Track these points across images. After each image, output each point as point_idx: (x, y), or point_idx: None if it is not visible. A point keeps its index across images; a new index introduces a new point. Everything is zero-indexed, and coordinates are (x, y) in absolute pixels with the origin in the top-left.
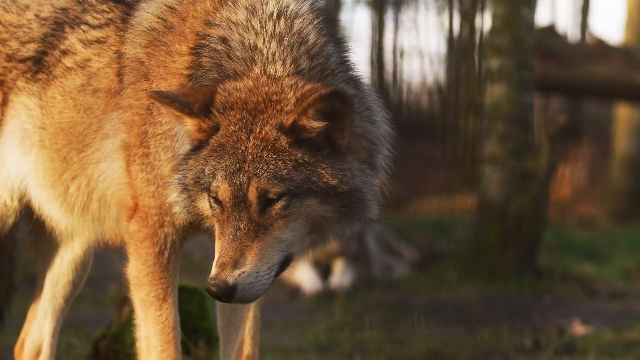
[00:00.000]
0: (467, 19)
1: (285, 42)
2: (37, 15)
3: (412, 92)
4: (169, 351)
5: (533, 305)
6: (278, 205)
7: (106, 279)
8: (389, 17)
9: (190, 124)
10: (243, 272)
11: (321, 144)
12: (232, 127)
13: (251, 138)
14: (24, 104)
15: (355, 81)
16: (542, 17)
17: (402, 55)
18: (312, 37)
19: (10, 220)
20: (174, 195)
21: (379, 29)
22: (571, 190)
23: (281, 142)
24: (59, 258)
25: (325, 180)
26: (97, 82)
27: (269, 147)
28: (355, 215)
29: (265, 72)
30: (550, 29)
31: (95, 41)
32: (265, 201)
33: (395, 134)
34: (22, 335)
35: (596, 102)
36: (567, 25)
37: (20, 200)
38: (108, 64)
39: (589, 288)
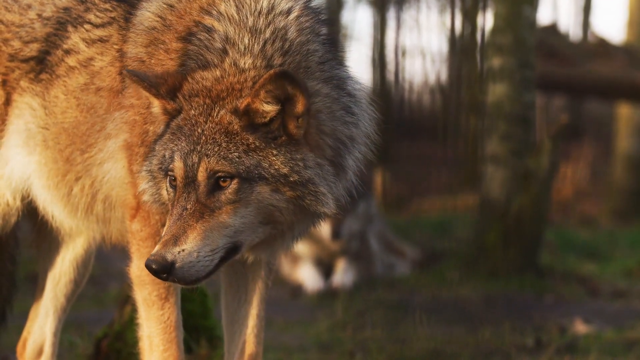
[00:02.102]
0: (469, 18)
1: (260, 38)
2: (39, 15)
3: (414, 91)
4: (171, 350)
5: (534, 305)
6: (228, 190)
7: (108, 277)
8: (390, 16)
9: (156, 105)
10: (183, 250)
11: (277, 132)
12: (192, 111)
13: (208, 121)
14: (27, 104)
15: (337, 80)
16: (543, 16)
17: (404, 54)
18: (291, 35)
19: (13, 220)
20: (143, 184)
21: (380, 28)
22: (573, 190)
23: (234, 126)
24: (60, 257)
25: (276, 167)
26: (100, 81)
27: (222, 130)
28: (309, 208)
29: (235, 64)
30: (552, 28)
31: (98, 40)
32: (215, 183)
33: (377, 138)
34: (24, 334)
35: (598, 101)
36: (569, 24)
37: (23, 199)
38: (111, 62)
39: (591, 287)
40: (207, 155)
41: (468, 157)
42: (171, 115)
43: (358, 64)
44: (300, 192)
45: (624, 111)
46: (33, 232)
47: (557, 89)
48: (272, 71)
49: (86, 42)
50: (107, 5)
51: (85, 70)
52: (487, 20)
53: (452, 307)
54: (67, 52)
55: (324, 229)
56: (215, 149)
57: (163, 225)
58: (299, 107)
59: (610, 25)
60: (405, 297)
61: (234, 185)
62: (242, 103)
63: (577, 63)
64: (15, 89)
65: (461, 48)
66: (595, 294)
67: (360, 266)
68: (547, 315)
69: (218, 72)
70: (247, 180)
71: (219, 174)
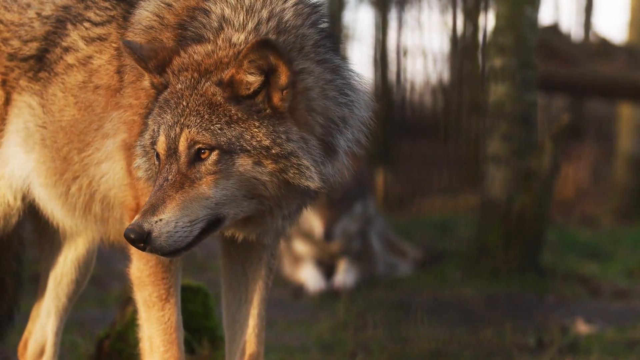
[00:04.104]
0: (471, 18)
1: (256, 16)
2: (38, 14)
3: (416, 92)
4: (172, 351)
5: (536, 304)
6: (208, 161)
7: (109, 278)
8: (392, 16)
9: (146, 78)
10: (160, 220)
11: (261, 104)
12: (179, 85)
13: (193, 94)
14: (26, 103)
15: (332, 65)
16: (545, 16)
17: (405, 54)
18: (287, 18)
19: (14, 220)
20: (138, 160)
21: (382, 28)
22: (574, 190)
23: (217, 97)
24: (62, 257)
25: (258, 139)
26: (98, 79)
27: (206, 102)
28: (293, 182)
29: (229, 40)
30: (554, 28)
31: (97, 38)
32: (196, 154)
33: (373, 125)
34: (25, 334)
35: (599, 101)
36: (571, 24)
37: (23, 199)
38: (109, 61)
39: (592, 287)
40: (188, 127)
41: (469, 157)
42: (158, 89)
43: (360, 64)
44: (283, 165)
45: (625, 111)
46: (35, 232)
47: (558, 89)
48: (254, 40)
49: (85, 40)
50: (107, 4)
51: (84, 68)
52: (488, 20)
53: (454, 307)
54: (66, 49)
55: (318, 229)
56: (197, 121)
57: None
58: (283, 78)
59: (612, 26)
60: (407, 297)
61: (214, 156)
62: (226, 74)
63: (578, 63)
64: (14, 88)
65: (463, 48)
66: (596, 294)
67: (362, 266)
68: (548, 315)
69: (210, 47)
70: (228, 152)
71: (199, 145)
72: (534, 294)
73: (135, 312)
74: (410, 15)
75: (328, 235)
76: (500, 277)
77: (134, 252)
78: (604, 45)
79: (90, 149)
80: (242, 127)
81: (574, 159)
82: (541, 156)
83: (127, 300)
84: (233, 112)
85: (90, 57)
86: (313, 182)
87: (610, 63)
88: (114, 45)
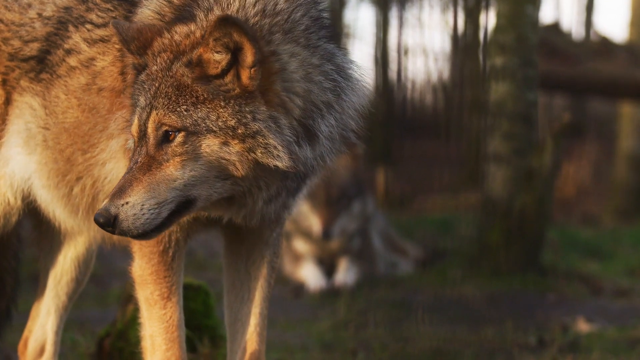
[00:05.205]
0: (472, 16)
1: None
2: (39, 14)
3: (417, 90)
4: (173, 350)
5: (537, 303)
6: (174, 143)
7: (110, 276)
8: (393, 14)
9: (129, 59)
10: (127, 203)
11: (230, 84)
12: (155, 67)
13: (165, 76)
14: (27, 104)
15: (323, 52)
16: (546, 14)
17: (406, 53)
18: (279, 2)
19: (14, 219)
20: (130, 142)
21: (383, 26)
22: (575, 188)
23: (185, 79)
24: (61, 256)
25: (223, 119)
26: (101, 81)
27: (175, 83)
28: (262, 161)
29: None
30: (555, 27)
31: (100, 40)
32: (163, 136)
33: (365, 111)
34: (25, 333)
35: (600, 100)
36: (572, 23)
37: (23, 199)
38: (112, 62)
39: (593, 286)
40: (156, 109)
41: (470, 155)
42: (138, 70)
43: (360, 62)
44: (250, 144)
45: (626, 110)
46: (34, 231)
47: (559, 88)
48: (215, 17)
49: (87, 42)
50: (109, 5)
51: (87, 71)
52: (489, 19)
53: (455, 306)
54: (68, 52)
55: (317, 228)
56: (165, 102)
57: None
58: (249, 56)
59: (613, 24)
60: (408, 296)
61: (179, 138)
62: (195, 54)
63: (579, 62)
64: (15, 88)
65: (464, 47)
66: (597, 292)
67: (363, 265)
68: (549, 313)
69: (192, 27)
70: (195, 134)
71: (165, 127)
72: (534, 293)
73: (136, 310)
74: (411, 13)
75: (326, 233)
76: (501, 276)
77: (136, 250)
78: (605, 44)
79: (95, 150)
80: (208, 107)
81: (575, 158)
82: (542, 155)
83: (127, 299)
84: (200, 92)
85: (93, 59)
86: (281, 162)
87: (611, 62)
88: (116, 46)
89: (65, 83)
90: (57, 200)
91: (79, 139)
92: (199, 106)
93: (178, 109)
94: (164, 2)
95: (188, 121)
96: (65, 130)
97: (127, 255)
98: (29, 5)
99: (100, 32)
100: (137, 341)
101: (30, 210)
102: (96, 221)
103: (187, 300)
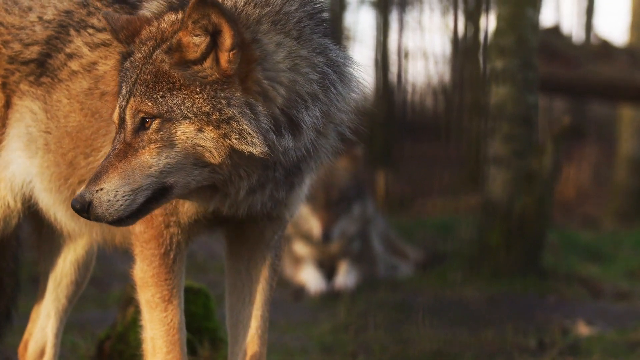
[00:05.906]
0: (472, 19)
1: None
2: (40, 18)
3: (417, 93)
4: (174, 352)
5: (537, 306)
6: (149, 130)
7: (110, 279)
8: (393, 17)
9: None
10: (101, 189)
11: (209, 69)
12: (138, 54)
13: (146, 63)
14: (28, 108)
15: (316, 45)
16: (546, 17)
17: (406, 55)
18: None
19: (14, 222)
20: None
21: (383, 29)
22: (575, 191)
23: (164, 65)
24: (61, 258)
25: (198, 105)
26: (104, 86)
27: (154, 70)
28: (236, 147)
29: None
30: (555, 30)
31: (102, 44)
32: (140, 123)
33: (358, 105)
34: (25, 335)
35: (600, 103)
36: (572, 26)
37: (24, 202)
38: (114, 66)
39: (593, 288)
40: (134, 96)
41: (471, 158)
42: (124, 59)
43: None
44: (225, 130)
45: (626, 113)
46: (34, 233)
47: (559, 91)
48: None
49: (89, 46)
50: (110, 9)
51: (89, 75)
52: (489, 22)
53: (455, 308)
54: (70, 56)
55: (316, 231)
56: (142, 90)
57: (167, 226)
58: (227, 39)
59: (613, 27)
60: (408, 298)
61: (155, 125)
62: (175, 39)
63: (579, 65)
64: (15, 92)
65: (464, 49)
66: (598, 295)
67: (363, 267)
68: (549, 316)
69: (180, 15)
70: (170, 120)
71: (141, 114)
72: (535, 295)
73: (136, 313)
74: (411, 16)
75: (326, 236)
76: (502, 278)
77: (138, 252)
78: (605, 47)
79: (98, 154)
80: (184, 94)
81: (575, 161)
82: (542, 157)
83: (127, 301)
84: (176, 78)
85: (95, 63)
86: (255, 148)
87: (611, 65)
88: (118, 50)
89: (67, 87)
90: (58, 204)
91: (81, 142)
92: (175, 92)
93: (154, 96)
94: (165, 4)
95: (163, 108)
96: (67, 134)
97: (128, 258)
98: (30, 9)
99: (102, 36)
100: (137, 344)
101: (30, 213)
102: (73, 207)
103: (187, 303)
